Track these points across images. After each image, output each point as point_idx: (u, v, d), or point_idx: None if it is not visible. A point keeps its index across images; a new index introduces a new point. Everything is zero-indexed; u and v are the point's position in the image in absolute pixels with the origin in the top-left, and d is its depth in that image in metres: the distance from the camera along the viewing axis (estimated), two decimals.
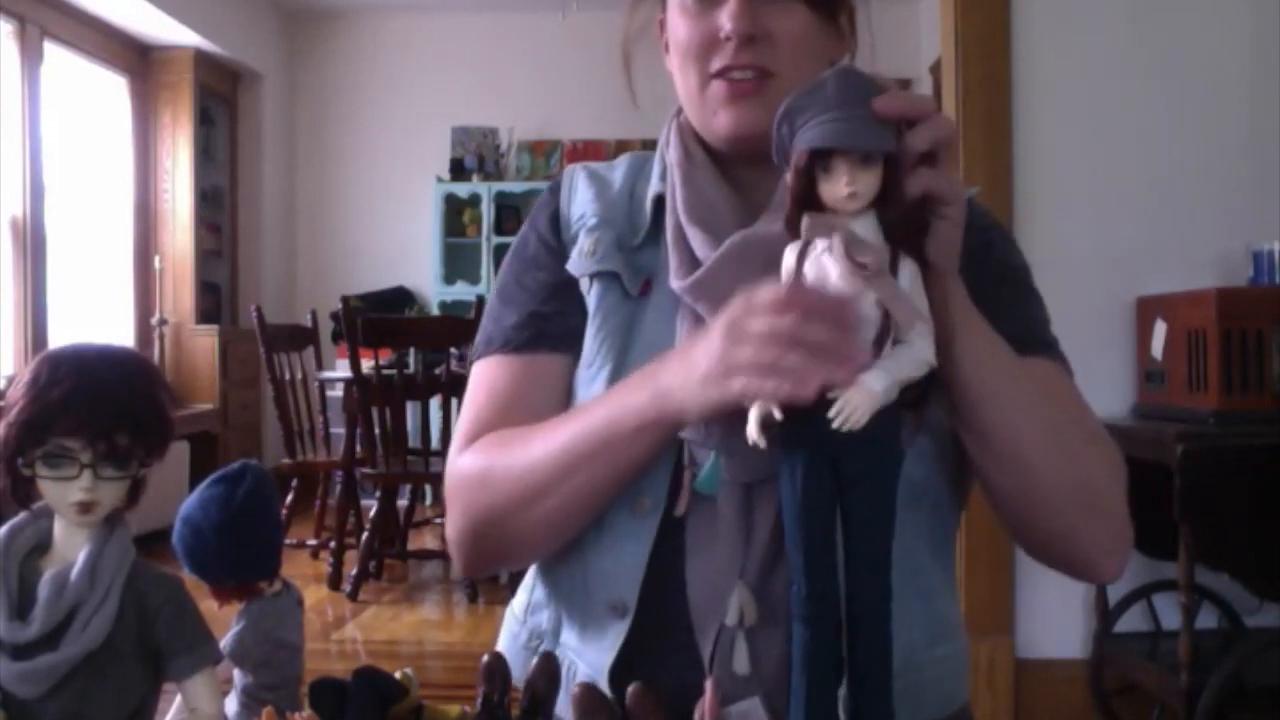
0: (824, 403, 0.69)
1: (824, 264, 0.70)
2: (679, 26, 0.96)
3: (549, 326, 1.00)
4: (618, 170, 1.06)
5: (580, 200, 1.03)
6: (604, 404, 0.88)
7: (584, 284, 1.00)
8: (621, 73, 1.08)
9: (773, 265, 0.83)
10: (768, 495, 0.83)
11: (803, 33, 0.93)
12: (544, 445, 0.90)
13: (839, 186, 0.70)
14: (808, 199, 0.71)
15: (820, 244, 0.70)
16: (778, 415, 0.71)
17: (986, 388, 0.82)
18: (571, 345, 0.99)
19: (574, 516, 0.91)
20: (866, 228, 0.70)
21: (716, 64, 0.93)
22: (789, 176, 0.72)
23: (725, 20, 0.91)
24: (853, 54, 1.01)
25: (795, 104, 0.72)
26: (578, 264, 1.00)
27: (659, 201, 0.99)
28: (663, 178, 1.00)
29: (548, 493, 0.90)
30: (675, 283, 0.92)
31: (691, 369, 0.79)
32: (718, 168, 0.98)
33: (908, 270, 0.71)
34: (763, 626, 0.83)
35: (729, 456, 0.85)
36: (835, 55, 0.99)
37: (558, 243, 1.03)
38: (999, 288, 0.96)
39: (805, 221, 0.71)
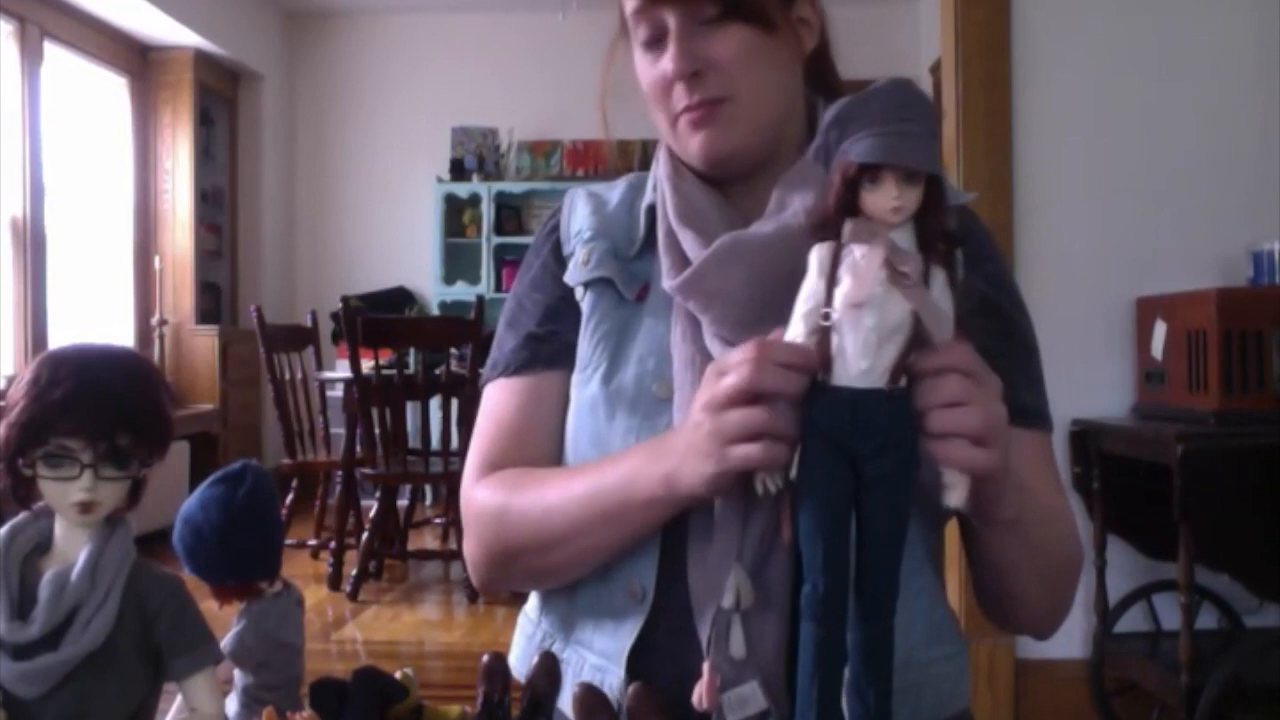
0: (854, 404, 0.70)
1: (863, 269, 0.70)
2: (641, 74, 1.00)
3: (543, 347, 1.04)
4: (617, 189, 1.09)
5: (579, 217, 1.07)
6: (618, 472, 0.90)
7: (579, 293, 1.03)
8: (601, 97, 1.10)
9: (760, 266, 0.88)
10: None
11: (746, 51, 0.94)
12: (558, 500, 0.94)
13: (886, 200, 0.70)
14: (850, 206, 0.72)
15: (858, 250, 0.71)
16: (773, 485, 0.76)
17: (998, 547, 0.89)
18: (567, 360, 1.03)
19: (587, 563, 0.95)
20: (903, 237, 0.71)
21: (677, 104, 0.96)
22: (834, 184, 0.73)
23: (667, 64, 0.94)
24: (824, 38, 1.02)
25: (846, 111, 0.73)
26: (573, 274, 1.04)
27: (652, 211, 1.02)
28: (655, 190, 1.03)
29: (561, 544, 0.94)
30: (667, 282, 0.94)
31: (691, 448, 0.81)
32: (707, 184, 1.00)
33: (939, 279, 0.72)
34: (758, 610, 0.84)
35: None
36: (797, 51, 1.00)
37: (557, 262, 1.06)
38: (1008, 353, 0.97)
39: (848, 227, 0.71)
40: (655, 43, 0.96)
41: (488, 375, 1.07)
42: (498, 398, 1.05)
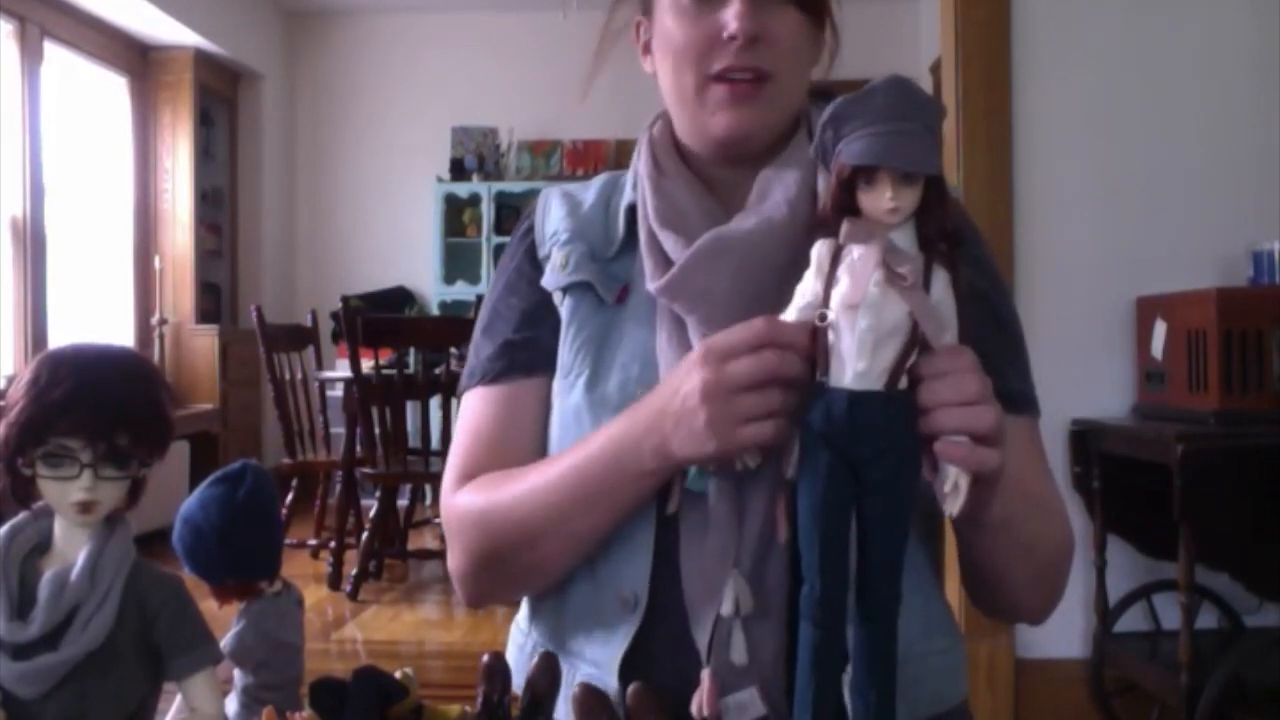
0: (851, 405, 0.70)
1: (859, 270, 0.70)
2: (673, 29, 0.96)
3: (521, 354, 1.02)
4: (591, 189, 1.07)
5: (554, 219, 1.05)
6: (599, 450, 0.89)
7: (557, 298, 1.02)
8: (589, 73, 1.10)
9: (745, 262, 0.88)
10: (758, 485, 0.84)
11: (797, 35, 0.95)
12: (541, 489, 0.92)
13: (882, 201, 0.69)
14: (847, 206, 0.71)
15: (856, 250, 0.70)
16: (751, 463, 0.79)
17: (987, 548, 0.90)
18: (546, 366, 1.01)
19: (573, 555, 0.94)
20: (903, 237, 0.70)
21: (717, 65, 0.94)
22: (830, 185, 0.72)
23: (730, 20, 0.92)
24: (830, 63, 1.03)
25: (843, 110, 0.72)
26: (551, 279, 1.02)
27: (632, 211, 1.00)
28: (635, 188, 1.01)
29: (547, 536, 0.93)
30: (651, 285, 0.94)
31: (691, 426, 0.81)
32: (692, 172, 0.99)
33: (941, 280, 0.71)
34: (758, 616, 0.84)
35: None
36: (819, 55, 1.01)
37: (532, 265, 1.05)
38: (996, 340, 0.98)
39: (845, 227, 0.71)
40: (708, 1, 0.94)
41: (465, 384, 1.05)
42: (475, 407, 1.03)
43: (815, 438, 0.71)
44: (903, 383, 0.71)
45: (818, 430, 0.71)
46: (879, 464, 0.70)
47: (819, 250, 0.72)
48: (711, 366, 0.79)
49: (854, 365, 0.70)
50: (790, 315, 0.75)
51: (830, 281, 0.71)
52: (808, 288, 0.73)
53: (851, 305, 0.69)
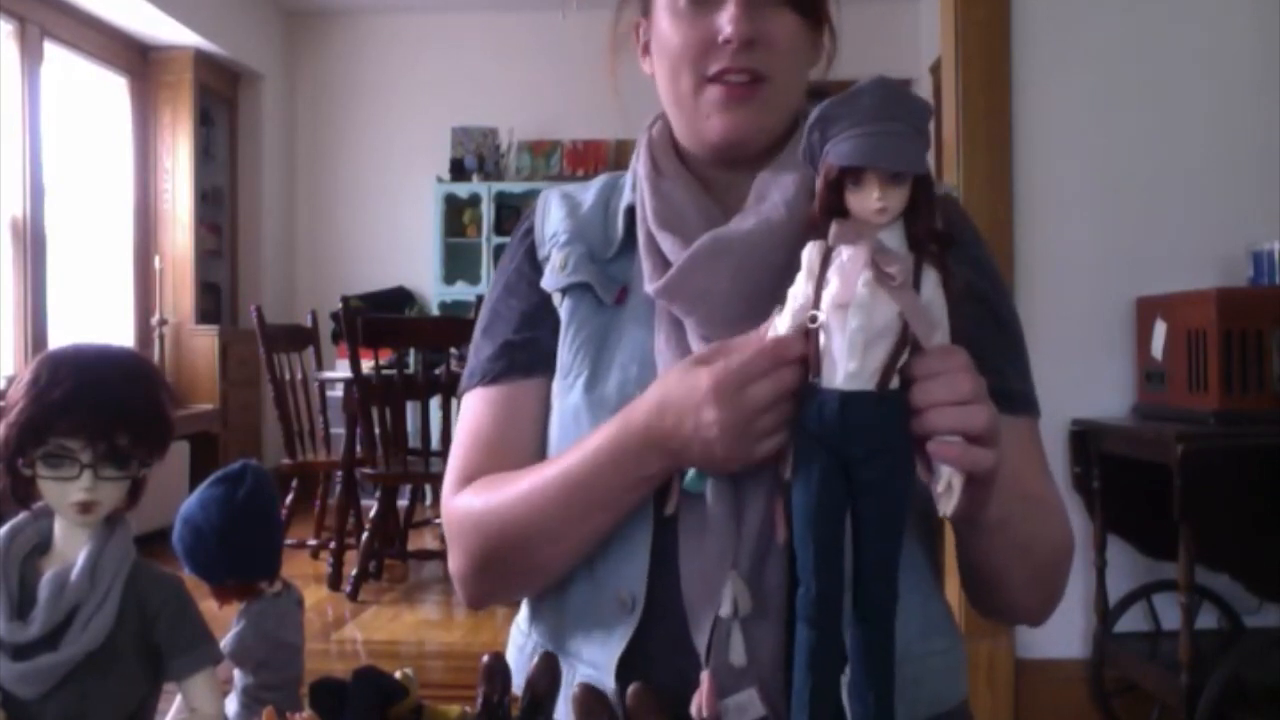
0: (843, 406, 0.70)
1: (848, 270, 0.70)
2: (670, 31, 0.96)
3: (520, 355, 1.02)
4: (591, 190, 1.07)
5: (553, 220, 1.06)
6: (599, 452, 0.89)
7: (556, 299, 1.02)
8: (610, 71, 1.10)
9: (743, 263, 0.88)
10: (756, 486, 0.85)
11: (794, 38, 0.95)
12: (541, 494, 0.93)
13: (869, 201, 0.69)
14: (836, 208, 0.71)
15: (846, 251, 0.70)
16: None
17: (985, 549, 0.90)
18: (546, 367, 1.01)
19: (573, 555, 0.94)
20: (892, 237, 0.70)
21: (713, 67, 0.94)
22: (818, 187, 0.72)
23: (726, 24, 0.92)
24: (828, 65, 1.03)
25: (830, 111, 0.72)
26: (550, 279, 1.02)
27: (631, 213, 1.01)
28: (634, 189, 1.01)
29: (545, 537, 0.93)
30: (649, 286, 0.94)
31: (708, 452, 0.81)
32: (691, 173, 0.99)
33: (931, 280, 0.71)
34: (757, 617, 0.84)
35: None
36: (814, 58, 1.01)
37: (532, 266, 1.05)
38: (995, 339, 0.98)
39: (833, 228, 0.71)
40: (703, 3, 0.94)
41: (465, 384, 1.05)
42: (475, 408, 1.04)
43: (809, 439, 0.71)
44: (895, 383, 0.71)
45: (811, 431, 0.71)
46: (872, 464, 0.70)
47: (809, 252, 0.73)
48: (728, 402, 0.78)
49: (845, 366, 0.70)
50: (783, 318, 0.75)
51: (821, 283, 0.71)
52: (799, 290, 0.73)
53: (841, 306, 0.69)
